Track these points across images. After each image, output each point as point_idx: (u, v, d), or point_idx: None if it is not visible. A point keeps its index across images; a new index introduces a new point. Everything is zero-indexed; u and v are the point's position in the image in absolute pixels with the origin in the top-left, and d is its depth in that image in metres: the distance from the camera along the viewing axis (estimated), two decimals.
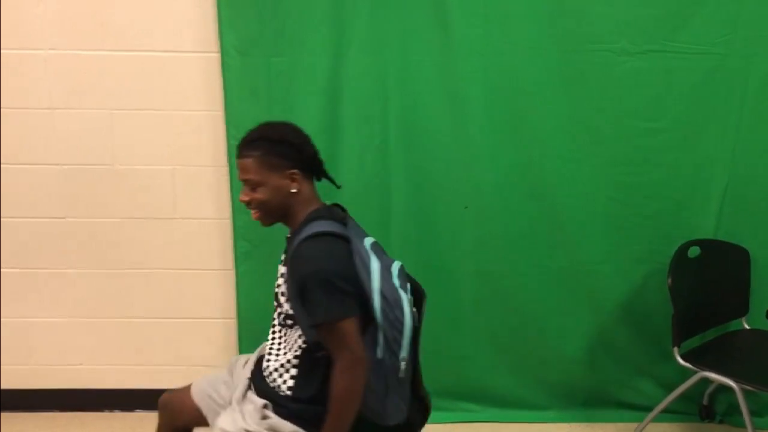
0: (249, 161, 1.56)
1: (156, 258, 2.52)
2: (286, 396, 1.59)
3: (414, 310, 1.57)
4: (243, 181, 1.59)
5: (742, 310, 2.46)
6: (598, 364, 2.56)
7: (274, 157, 1.56)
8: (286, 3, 2.22)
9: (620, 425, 2.57)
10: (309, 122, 2.29)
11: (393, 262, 1.63)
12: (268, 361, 1.66)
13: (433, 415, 2.56)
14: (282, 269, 1.62)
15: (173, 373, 2.58)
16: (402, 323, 1.51)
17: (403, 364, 1.53)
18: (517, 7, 2.24)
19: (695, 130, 2.35)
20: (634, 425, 2.47)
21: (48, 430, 2.52)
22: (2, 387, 2.63)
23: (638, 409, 2.55)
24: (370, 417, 1.54)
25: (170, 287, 2.55)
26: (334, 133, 2.32)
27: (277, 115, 2.26)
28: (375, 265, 1.52)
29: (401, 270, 1.63)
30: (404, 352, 1.52)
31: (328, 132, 2.31)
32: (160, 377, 2.57)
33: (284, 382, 1.60)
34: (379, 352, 1.50)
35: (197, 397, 1.76)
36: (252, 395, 1.64)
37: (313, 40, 2.25)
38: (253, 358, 1.77)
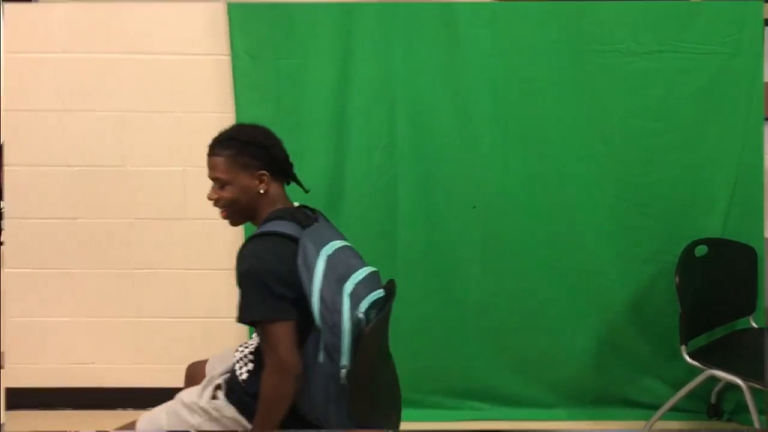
0: (219, 160, 1.59)
1: (167, 258, 2.55)
2: (240, 386, 1.63)
3: (362, 317, 1.52)
4: (212, 179, 1.62)
5: (749, 308, 2.47)
6: (605, 362, 2.57)
7: (244, 157, 1.59)
8: (294, 7, 2.25)
9: (628, 423, 2.57)
10: (317, 123, 2.33)
11: (361, 268, 1.60)
12: (237, 350, 1.73)
13: (440, 413, 2.60)
14: None
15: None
16: (340, 329, 1.48)
17: (343, 372, 1.50)
18: (523, 8, 2.25)
19: (702, 130, 2.36)
20: (641, 423, 2.48)
21: (62, 428, 2.56)
22: (17, 385, 2.67)
23: (646, 407, 2.56)
24: (316, 422, 1.54)
25: (182, 287, 2.58)
26: (342, 133, 2.34)
27: (285, 116, 2.31)
28: (320, 266, 1.49)
29: (369, 276, 1.60)
30: (344, 360, 1.50)
31: (335, 132, 2.34)
32: (173, 376, 2.60)
33: (241, 374, 1.65)
34: (321, 357, 1.50)
35: (208, 367, 1.86)
36: (224, 376, 1.71)
37: (321, 43, 2.27)
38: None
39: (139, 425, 1.68)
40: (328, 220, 1.74)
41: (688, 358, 2.20)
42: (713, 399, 2.58)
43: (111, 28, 2.34)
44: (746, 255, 2.43)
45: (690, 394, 2.33)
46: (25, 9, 2.33)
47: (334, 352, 1.49)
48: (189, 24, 2.33)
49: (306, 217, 1.61)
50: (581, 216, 2.42)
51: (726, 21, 2.27)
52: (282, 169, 1.67)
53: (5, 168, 2.46)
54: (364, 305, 1.53)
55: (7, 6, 2.32)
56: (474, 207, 2.41)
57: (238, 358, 1.70)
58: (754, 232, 2.43)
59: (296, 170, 1.72)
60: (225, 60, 2.33)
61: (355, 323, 1.50)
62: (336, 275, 1.51)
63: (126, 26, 2.34)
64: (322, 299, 1.47)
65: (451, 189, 2.40)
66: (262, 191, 1.61)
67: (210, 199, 1.64)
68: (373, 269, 1.65)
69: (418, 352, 2.51)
